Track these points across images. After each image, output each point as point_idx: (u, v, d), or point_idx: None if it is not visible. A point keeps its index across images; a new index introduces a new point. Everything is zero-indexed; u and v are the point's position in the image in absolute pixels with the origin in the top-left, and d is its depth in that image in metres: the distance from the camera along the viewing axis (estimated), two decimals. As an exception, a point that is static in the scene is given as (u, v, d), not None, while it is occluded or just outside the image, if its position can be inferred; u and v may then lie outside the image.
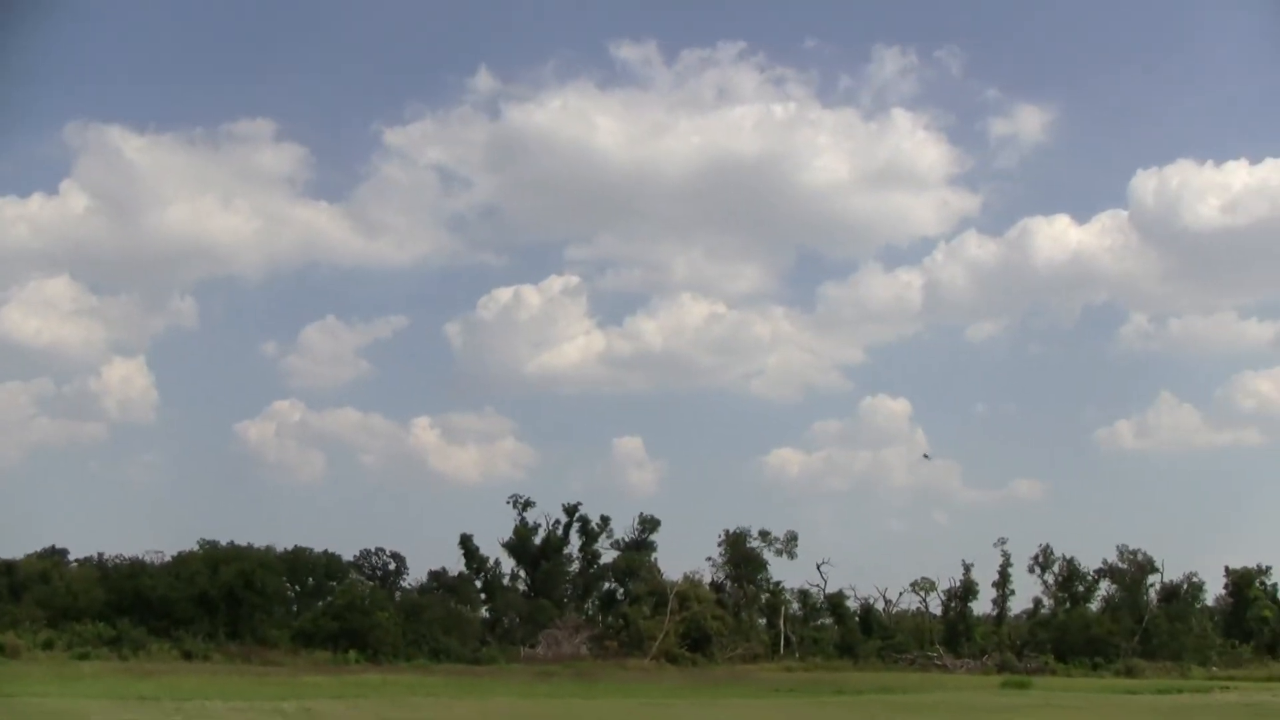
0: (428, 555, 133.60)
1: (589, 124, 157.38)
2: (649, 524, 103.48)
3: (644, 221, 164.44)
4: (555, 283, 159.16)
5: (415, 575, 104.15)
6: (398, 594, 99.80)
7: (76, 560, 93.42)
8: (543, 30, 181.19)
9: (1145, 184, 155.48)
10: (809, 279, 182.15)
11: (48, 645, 70.46)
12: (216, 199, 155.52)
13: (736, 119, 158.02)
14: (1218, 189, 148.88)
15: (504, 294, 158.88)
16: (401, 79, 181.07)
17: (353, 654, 76.62)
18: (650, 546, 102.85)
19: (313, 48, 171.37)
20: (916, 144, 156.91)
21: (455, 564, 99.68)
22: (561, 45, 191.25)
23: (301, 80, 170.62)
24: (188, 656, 72.33)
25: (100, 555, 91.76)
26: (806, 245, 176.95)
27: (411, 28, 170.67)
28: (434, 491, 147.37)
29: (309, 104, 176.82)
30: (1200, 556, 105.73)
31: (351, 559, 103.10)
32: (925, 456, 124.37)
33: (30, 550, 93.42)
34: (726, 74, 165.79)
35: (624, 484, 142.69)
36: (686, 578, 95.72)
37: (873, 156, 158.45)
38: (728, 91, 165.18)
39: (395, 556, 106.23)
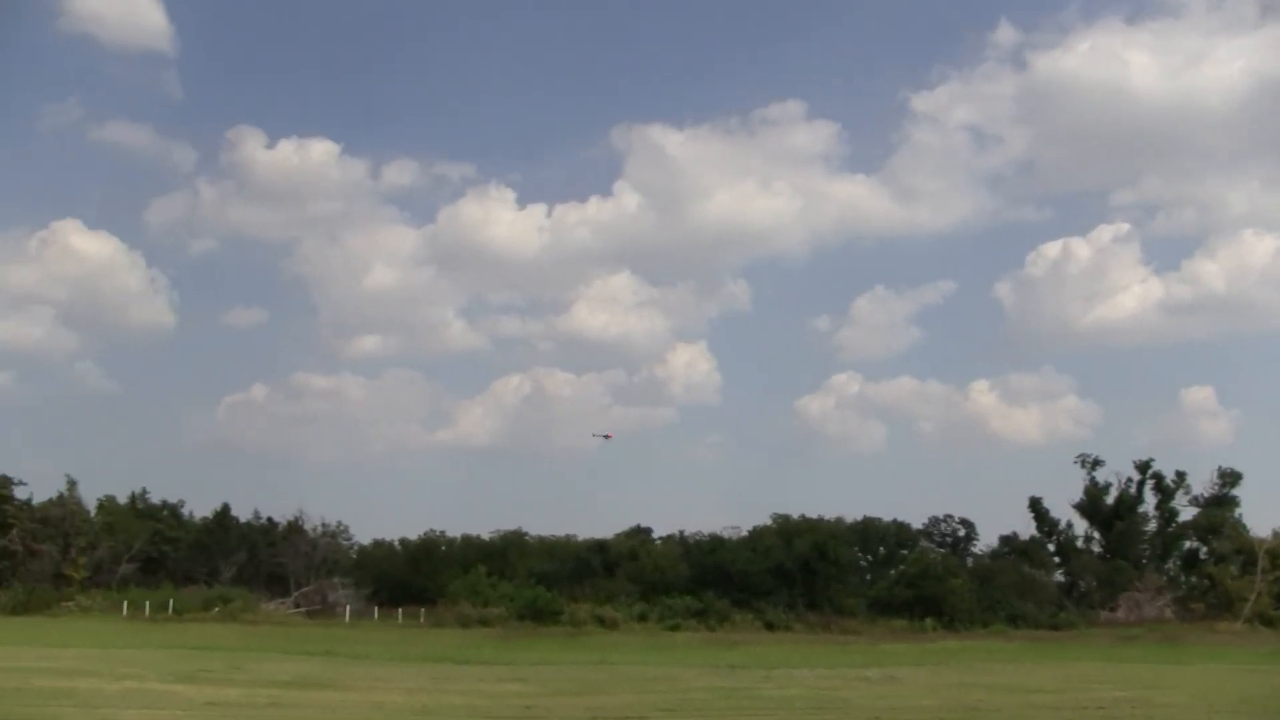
0: (996, 520, 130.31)
1: (1120, 62, 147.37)
2: (1229, 478, 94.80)
3: (1191, 158, 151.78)
4: (1104, 232, 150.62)
5: (985, 541, 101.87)
6: (969, 560, 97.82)
7: (660, 538, 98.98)
8: None
9: None
10: None
11: (642, 618, 74.88)
12: (756, 183, 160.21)
13: None
14: None
15: (1052, 248, 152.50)
16: (922, 44, 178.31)
17: (929, 621, 75.75)
18: (1232, 502, 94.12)
19: (834, 25, 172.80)
20: None
21: (1026, 528, 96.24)
22: None
23: (826, 58, 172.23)
24: (769, 627, 74.45)
25: (681, 532, 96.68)
26: None
27: None
28: (996, 455, 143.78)
29: (836, 80, 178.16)
30: None
31: (920, 527, 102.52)
32: (604, 437, 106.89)
33: (619, 529, 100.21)
34: None
35: (1196, 437, 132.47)
36: (1277, 534, 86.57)
37: None
38: (1274, 5, 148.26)
39: (964, 523, 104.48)
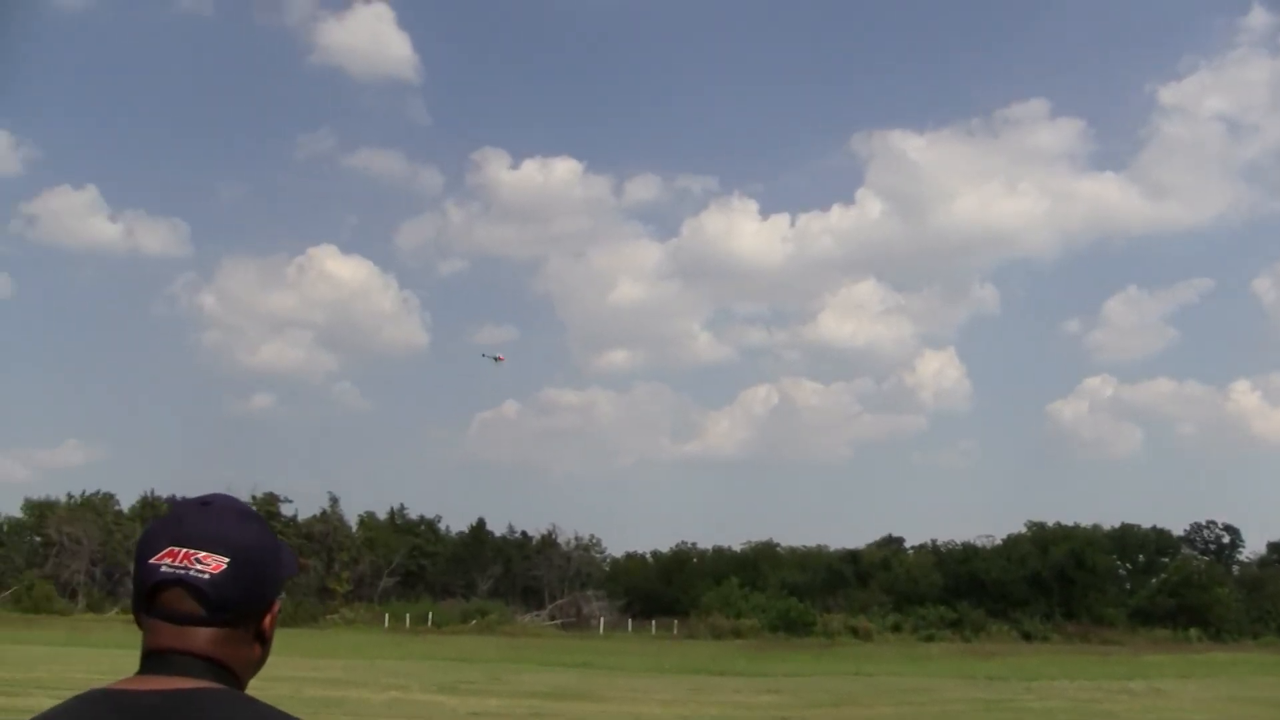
0: (1263, 526, 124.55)
1: None
2: None
3: None
4: None
5: (1252, 548, 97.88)
6: (1235, 568, 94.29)
7: (912, 547, 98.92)
8: None
9: None
10: None
11: (895, 628, 75.39)
12: (1001, 184, 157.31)
13: None
14: None
15: None
16: (1168, 33, 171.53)
17: (1193, 631, 73.79)
18: None
19: (1074, 20, 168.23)
20: None
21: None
22: None
23: (1068, 54, 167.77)
24: (1026, 637, 73.90)
25: (934, 541, 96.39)
26: None
27: None
28: (1261, 457, 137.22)
29: (1078, 76, 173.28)
30: None
31: (1181, 533, 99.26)
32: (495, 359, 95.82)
33: (870, 539, 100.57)
34: None
35: None
36: None
37: None
38: None
39: (1228, 529, 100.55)
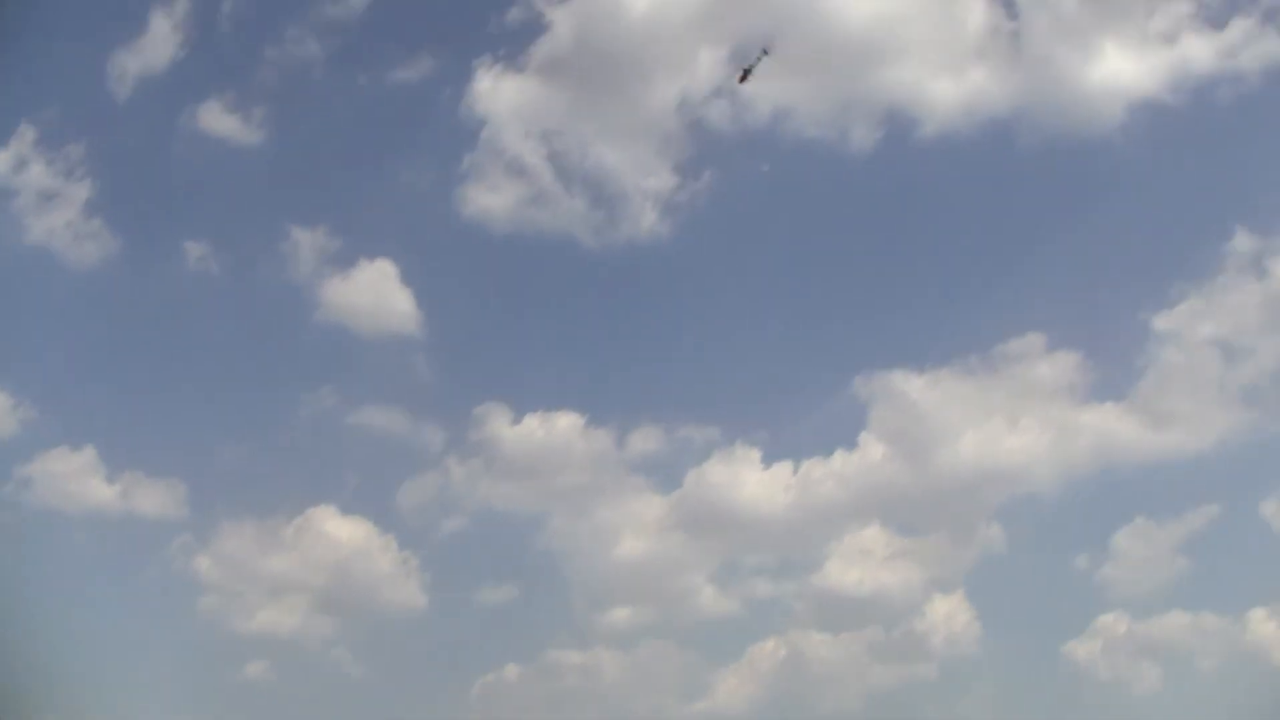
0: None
1: None
2: None
3: None
4: None
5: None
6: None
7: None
8: None
9: None
10: None
11: None
12: (1003, 421, 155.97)
13: None
14: None
15: None
16: (1157, 262, 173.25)
17: None
18: None
19: (1066, 255, 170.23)
20: None
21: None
22: None
23: (1061, 289, 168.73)
24: None
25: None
26: None
27: (1156, 209, 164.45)
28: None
29: (1073, 310, 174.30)
30: None
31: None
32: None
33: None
34: None
35: None
36: None
37: None
38: None
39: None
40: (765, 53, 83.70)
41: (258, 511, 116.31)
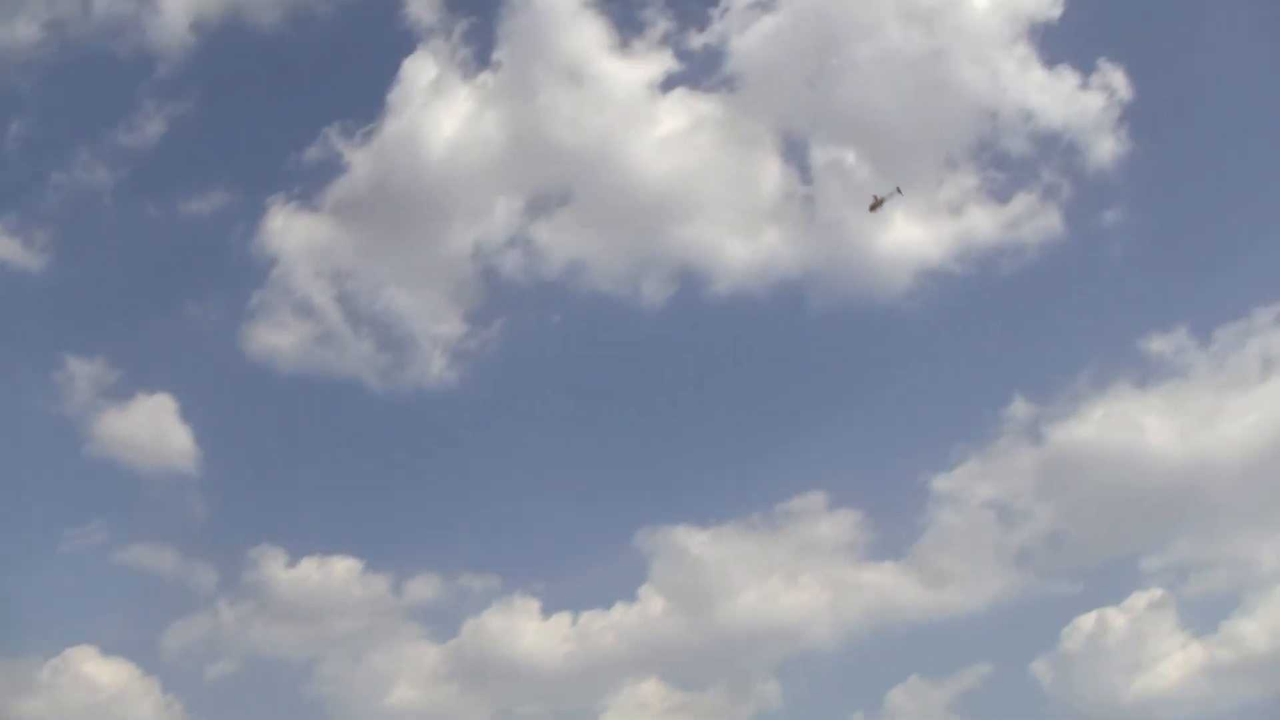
0: None
1: (1135, 427, 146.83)
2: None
3: (1216, 515, 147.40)
4: (1138, 599, 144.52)
5: None
6: None
7: None
8: (1065, 345, 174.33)
9: None
10: None
11: None
12: (783, 578, 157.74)
13: None
14: None
15: (1086, 621, 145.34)
16: (939, 425, 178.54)
17: None
18: None
19: (850, 413, 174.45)
20: None
21: None
22: (1090, 354, 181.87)
23: (845, 448, 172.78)
24: None
25: None
26: None
27: (939, 373, 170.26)
28: None
29: (856, 469, 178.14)
30: None
31: None
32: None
33: None
34: (1268, 341, 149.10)
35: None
36: None
37: None
38: (1274, 360, 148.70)
39: None
40: (899, 191, 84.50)
41: (9, 650, 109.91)
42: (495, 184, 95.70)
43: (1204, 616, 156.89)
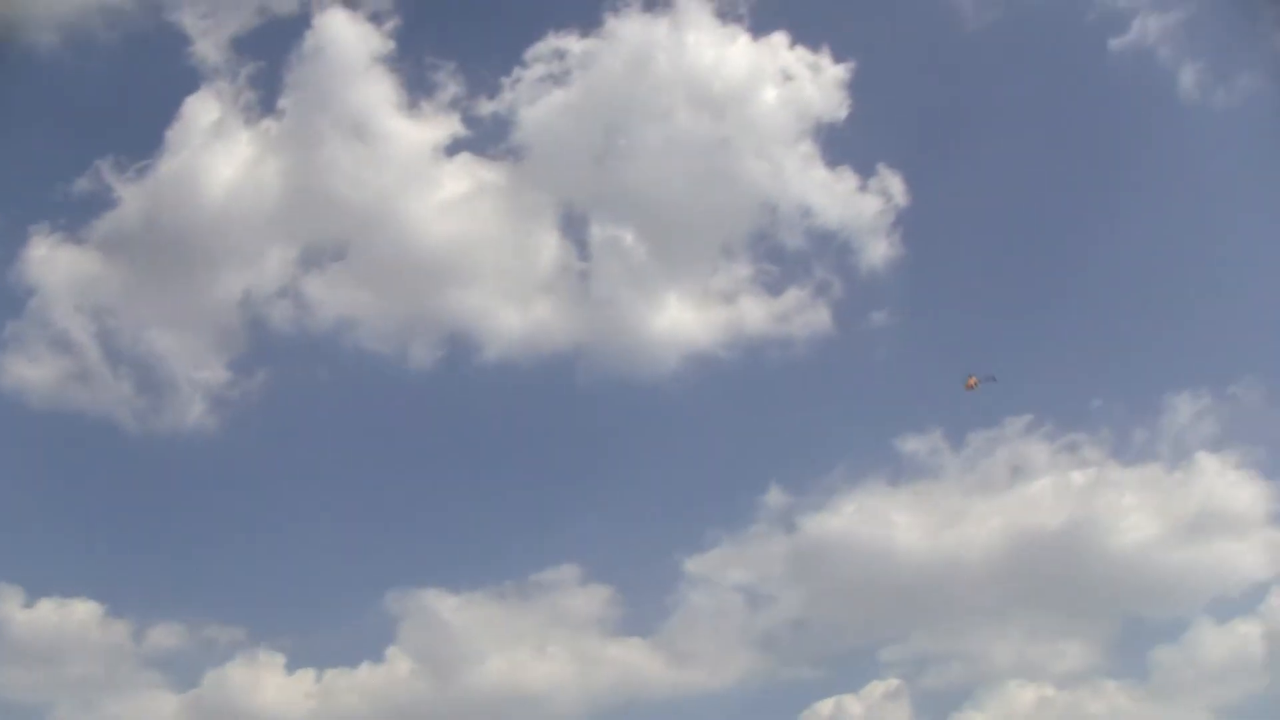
0: None
1: (885, 522, 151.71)
2: None
3: (955, 612, 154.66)
4: (876, 688, 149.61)
5: None
6: None
7: None
8: (826, 438, 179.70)
9: None
10: (1138, 646, 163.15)
11: None
12: (532, 647, 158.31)
13: (1034, 493, 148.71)
14: None
15: (825, 706, 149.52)
16: (696, 507, 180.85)
17: None
18: None
19: (609, 489, 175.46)
20: (1228, 485, 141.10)
21: None
22: (847, 449, 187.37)
23: (602, 523, 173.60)
24: None
25: None
26: (1129, 611, 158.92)
27: (699, 457, 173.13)
28: None
29: (611, 544, 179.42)
30: None
31: None
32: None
33: None
34: (1016, 449, 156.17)
35: None
36: None
37: (1184, 507, 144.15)
38: (1021, 467, 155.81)
39: None
40: (994, 378, 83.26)
41: None
42: (270, 232, 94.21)
43: (936, 707, 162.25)
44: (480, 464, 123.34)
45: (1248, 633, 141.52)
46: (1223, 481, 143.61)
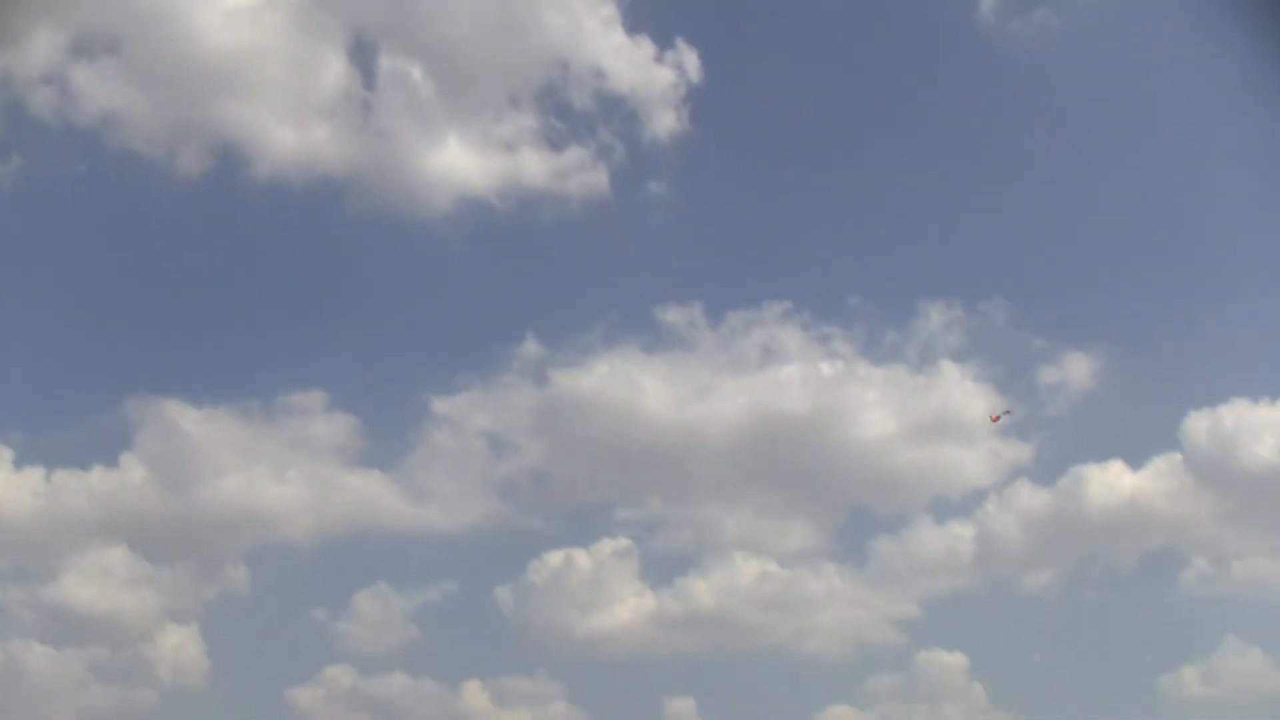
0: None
1: (635, 387, 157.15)
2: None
3: (693, 482, 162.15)
4: (606, 545, 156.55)
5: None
6: None
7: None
8: (588, 297, 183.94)
9: (1198, 425, 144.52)
10: (860, 534, 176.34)
11: None
12: (270, 468, 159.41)
13: (783, 378, 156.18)
14: (1275, 427, 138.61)
15: (555, 558, 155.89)
16: (450, 349, 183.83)
17: None
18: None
19: (365, 320, 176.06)
20: (966, 395, 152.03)
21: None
22: (607, 311, 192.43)
23: (353, 352, 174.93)
24: None
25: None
26: (857, 501, 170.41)
27: (460, 300, 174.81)
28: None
29: (360, 375, 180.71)
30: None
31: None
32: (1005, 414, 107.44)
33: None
34: (772, 333, 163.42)
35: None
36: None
37: (922, 409, 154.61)
38: (773, 351, 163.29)
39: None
40: (1009, 412, 79.69)
41: None
42: (39, 14, 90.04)
43: (663, 570, 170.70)
44: (237, 280, 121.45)
45: (962, 534, 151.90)
46: (961, 391, 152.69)
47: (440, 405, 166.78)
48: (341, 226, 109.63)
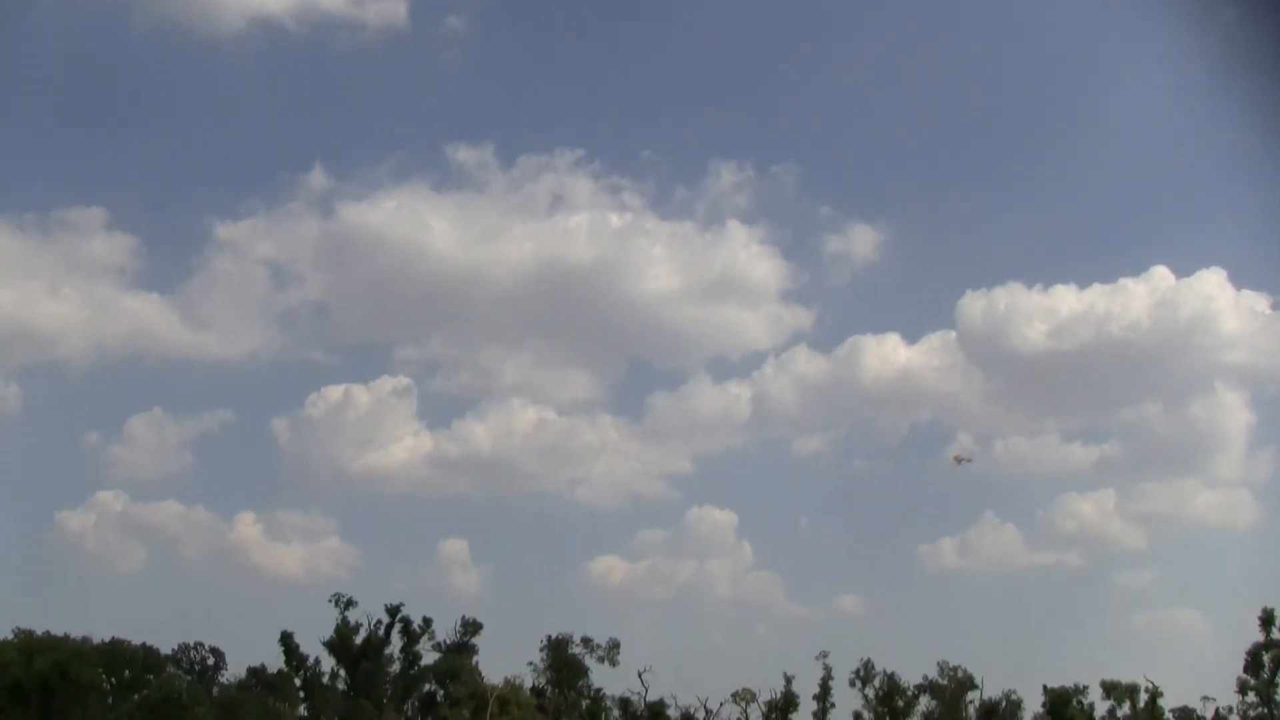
0: (247, 651, 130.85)
1: (422, 225, 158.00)
2: (471, 627, 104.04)
3: (475, 325, 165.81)
4: (385, 383, 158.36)
5: (234, 671, 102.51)
6: (216, 689, 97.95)
7: None
8: (379, 130, 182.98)
9: (973, 305, 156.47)
10: (639, 388, 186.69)
11: None
12: (44, 285, 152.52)
13: (571, 226, 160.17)
14: (1045, 313, 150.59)
15: (333, 392, 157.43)
16: (236, 174, 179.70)
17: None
18: (472, 650, 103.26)
19: (149, 138, 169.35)
20: (750, 258, 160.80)
21: (275, 661, 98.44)
22: (398, 146, 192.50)
23: (136, 170, 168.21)
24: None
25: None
26: (638, 355, 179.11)
27: (248, 124, 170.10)
28: (255, 588, 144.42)
29: (143, 194, 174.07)
30: (1019, 674, 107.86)
31: (169, 652, 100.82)
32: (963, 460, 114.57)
33: None
34: (563, 181, 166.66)
35: (447, 587, 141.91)
36: (507, 681, 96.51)
37: (707, 268, 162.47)
38: (563, 198, 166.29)
39: (214, 651, 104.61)
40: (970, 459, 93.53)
41: None
42: None
43: (440, 411, 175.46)
44: (15, 87, 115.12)
45: (739, 394, 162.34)
46: (746, 253, 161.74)
47: (223, 231, 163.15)
48: (130, 39, 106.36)
